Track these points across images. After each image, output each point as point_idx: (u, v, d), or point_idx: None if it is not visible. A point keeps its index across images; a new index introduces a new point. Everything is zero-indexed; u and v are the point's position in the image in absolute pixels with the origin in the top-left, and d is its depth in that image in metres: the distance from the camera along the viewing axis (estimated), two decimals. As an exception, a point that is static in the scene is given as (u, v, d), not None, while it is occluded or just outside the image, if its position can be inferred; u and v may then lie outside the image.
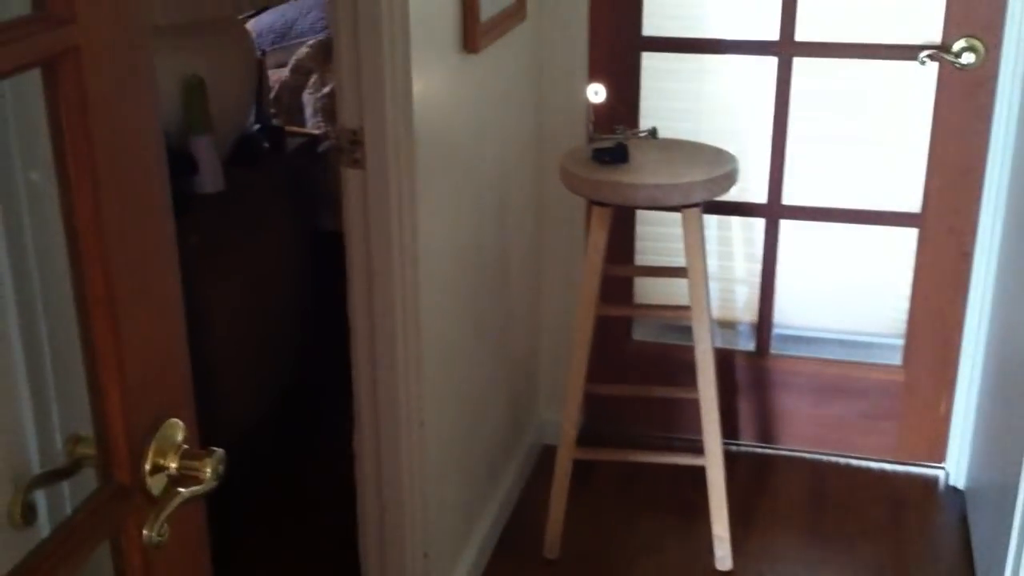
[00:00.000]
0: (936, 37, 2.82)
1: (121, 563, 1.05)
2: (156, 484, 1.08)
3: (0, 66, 0.89)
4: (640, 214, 3.15)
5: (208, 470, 1.10)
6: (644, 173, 2.54)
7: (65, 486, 1.22)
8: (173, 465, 1.10)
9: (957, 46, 2.80)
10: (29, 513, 1.10)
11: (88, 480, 1.14)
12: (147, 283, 1.07)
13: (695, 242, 2.57)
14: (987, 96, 2.82)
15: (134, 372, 1.04)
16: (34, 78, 1.02)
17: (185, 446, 1.12)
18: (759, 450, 3.25)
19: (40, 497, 1.17)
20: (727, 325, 3.29)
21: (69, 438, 1.14)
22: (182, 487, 1.10)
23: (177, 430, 1.11)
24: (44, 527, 1.17)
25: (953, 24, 2.80)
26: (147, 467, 1.07)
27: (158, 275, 1.09)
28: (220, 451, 1.12)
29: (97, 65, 0.97)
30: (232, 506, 2.68)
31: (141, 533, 1.06)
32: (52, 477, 1.16)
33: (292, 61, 3.62)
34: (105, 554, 1.08)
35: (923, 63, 2.82)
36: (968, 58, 2.80)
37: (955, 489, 3.07)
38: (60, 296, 1.18)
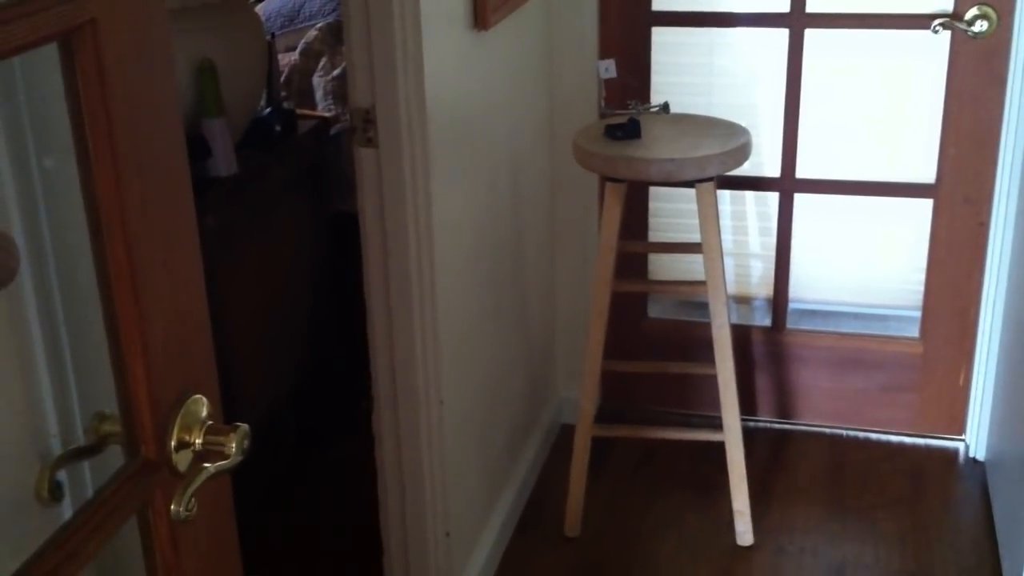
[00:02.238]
0: (948, 5, 2.80)
1: (149, 537, 1.05)
2: (182, 460, 1.08)
3: (18, 39, 0.88)
4: (653, 190, 3.14)
5: (233, 445, 1.10)
6: (658, 148, 2.53)
7: (86, 466, 1.22)
8: (198, 441, 1.10)
9: (969, 14, 2.77)
10: (56, 490, 1.10)
11: (113, 458, 1.14)
12: (168, 257, 1.06)
13: (710, 217, 2.56)
14: (1000, 64, 2.80)
15: (157, 347, 1.04)
16: (46, 61, 1.02)
17: (210, 422, 1.12)
18: (777, 425, 3.24)
19: (63, 476, 1.18)
20: (743, 301, 3.29)
21: (94, 416, 1.14)
22: (207, 463, 1.10)
23: (201, 406, 1.11)
24: (69, 505, 1.18)
25: (965, -8, 2.78)
26: (172, 443, 1.07)
27: (179, 249, 1.09)
28: (245, 426, 1.12)
29: (114, 38, 0.97)
30: (251, 486, 2.69)
31: (169, 508, 1.06)
32: (78, 455, 1.16)
33: (301, 44, 3.61)
34: (123, 534, 1.08)
35: (935, 32, 2.80)
36: (981, 26, 2.78)
37: (975, 461, 3.06)
38: (77, 279, 1.18)
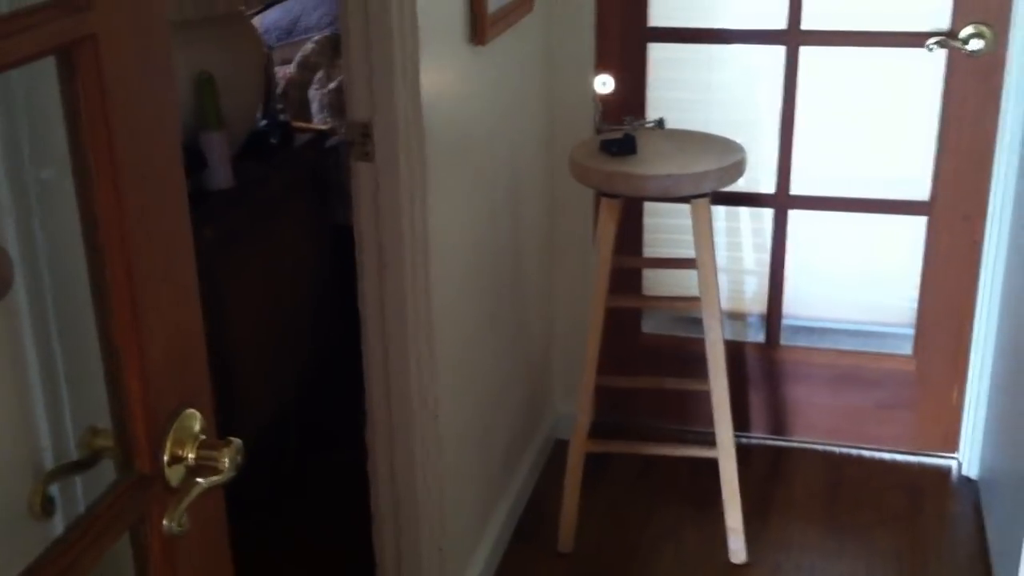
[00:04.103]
0: (944, 24, 2.81)
1: (142, 553, 1.05)
2: (174, 474, 1.08)
3: (17, 53, 0.88)
4: (647, 205, 3.14)
5: (226, 460, 1.10)
6: (654, 164, 2.53)
7: (78, 480, 1.22)
8: (191, 455, 1.09)
9: (965, 32, 2.79)
10: (48, 505, 1.10)
11: (105, 472, 1.14)
12: (166, 272, 1.06)
13: (705, 233, 2.57)
14: (996, 82, 2.81)
15: (154, 361, 1.04)
16: (43, 73, 1.02)
17: (203, 436, 1.11)
18: (771, 442, 3.24)
19: (54, 490, 1.17)
20: (737, 317, 3.28)
21: (87, 430, 1.14)
22: (200, 477, 1.10)
23: (194, 420, 1.11)
24: (60, 519, 1.17)
25: (961, 10, 2.79)
26: (166, 458, 1.07)
27: (176, 264, 1.08)
28: (238, 441, 1.12)
29: (114, 53, 0.97)
30: (247, 499, 2.68)
31: (162, 523, 1.05)
32: (70, 469, 1.16)
33: (298, 57, 3.62)
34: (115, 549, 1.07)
35: (931, 50, 2.81)
36: (976, 44, 2.79)
37: (968, 479, 3.06)
38: (70, 291, 1.18)
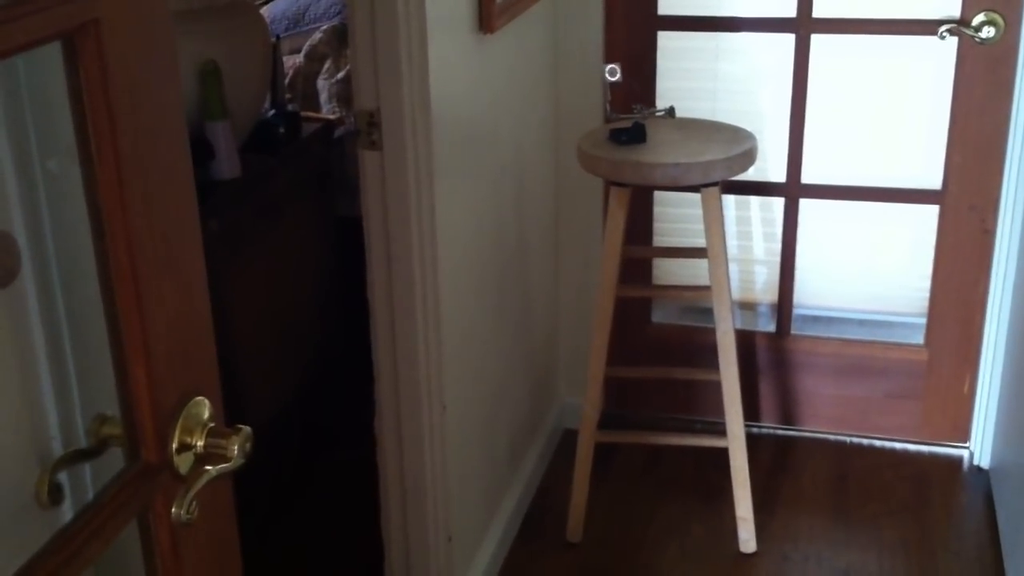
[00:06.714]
0: (955, 11, 2.80)
1: (149, 541, 1.05)
2: (183, 462, 1.08)
3: (21, 38, 0.87)
4: (657, 195, 3.13)
5: (235, 448, 1.10)
6: (663, 152, 2.52)
7: (87, 468, 1.21)
8: (199, 443, 1.09)
9: (977, 20, 2.77)
10: (56, 493, 1.09)
11: (113, 460, 1.14)
12: (171, 259, 1.06)
13: (715, 221, 2.56)
14: (1007, 70, 2.79)
15: (159, 349, 1.03)
16: (51, 60, 1.01)
17: (211, 424, 1.11)
18: (781, 432, 3.23)
19: (63, 478, 1.17)
20: (747, 306, 3.28)
21: (95, 418, 1.14)
22: (209, 465, 1.10)
23: (203, 408, 1.11)
24: (68, 508, 1.17)
25: (972, -3, 2.77)
26: (174, 445, 1.06)
27: (181, 251, 1.08)
28: (247, 429, 1.11)
29: (118, 38, 0.96)
30: (255, 491, 2.68)
31: (170, 511, 1.05)
32: (78, 457, 1.16)
33: (306, 47, 3.61)
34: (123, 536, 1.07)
35: (942, 38, 2.80)
36: (988, 32, 2.77)
37: (979, 468, 3.05)
38: (79, 279, 1.17)
